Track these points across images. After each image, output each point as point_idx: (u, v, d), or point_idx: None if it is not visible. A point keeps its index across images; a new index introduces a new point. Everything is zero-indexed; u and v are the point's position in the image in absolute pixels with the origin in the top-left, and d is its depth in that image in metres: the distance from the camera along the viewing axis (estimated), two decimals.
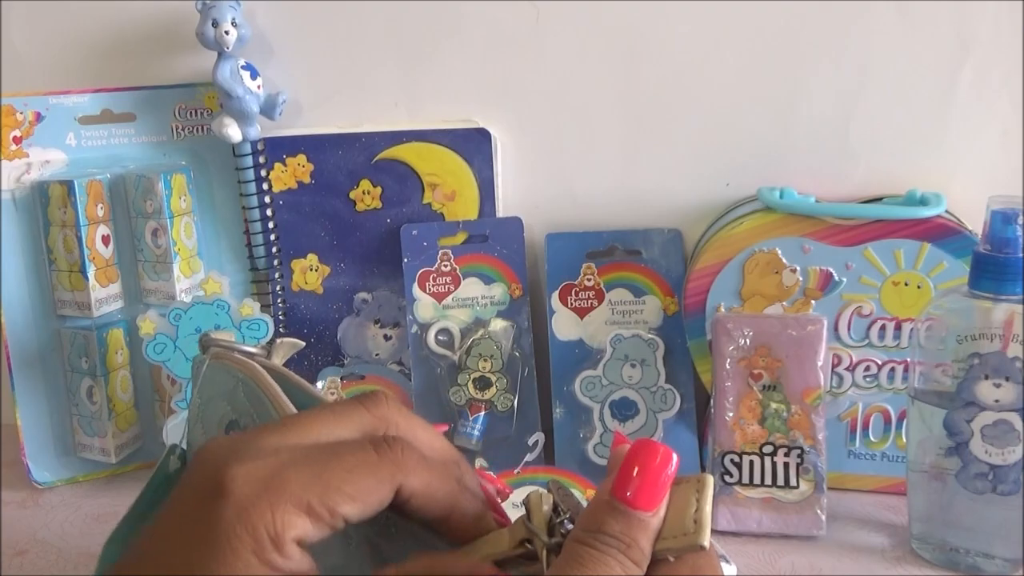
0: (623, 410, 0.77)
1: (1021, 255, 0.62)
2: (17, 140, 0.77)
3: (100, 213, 0.78)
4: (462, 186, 0.81)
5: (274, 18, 0.80)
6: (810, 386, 0.70)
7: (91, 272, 0.77)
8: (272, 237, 0.81)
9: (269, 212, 0.81)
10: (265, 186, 0.81)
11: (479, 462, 0.77)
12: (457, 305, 0.80)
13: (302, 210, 0.81)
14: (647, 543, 0.33)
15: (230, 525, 0.31)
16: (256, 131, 0.78)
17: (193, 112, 0.81)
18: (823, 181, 0.78)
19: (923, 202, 0.73)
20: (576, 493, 0.71)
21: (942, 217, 0.71)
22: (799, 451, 0.70)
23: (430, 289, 0.80)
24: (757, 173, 0.79)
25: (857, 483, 0.76)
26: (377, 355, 0.82)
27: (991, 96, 0.76)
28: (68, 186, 0.76)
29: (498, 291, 0.80)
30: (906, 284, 0.73)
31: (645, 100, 0.80)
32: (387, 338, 0.82)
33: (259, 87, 0.78)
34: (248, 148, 0.79)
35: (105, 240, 0.78)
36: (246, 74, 0.77)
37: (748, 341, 0.71)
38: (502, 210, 0.82)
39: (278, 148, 0.81)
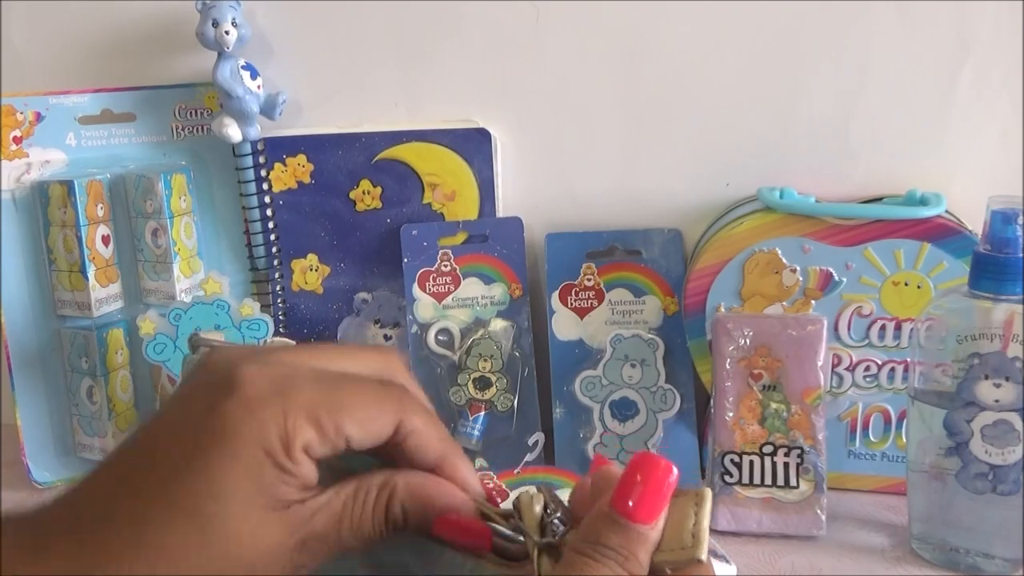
0: (623, 410, 0.77)
1: (1021, 255, 0.62)
2: (17, 140, 0.77)
3: (100, 213, 0.78)
4: (462, 186, 0.81)
5: (274, 18, 0.80)
6: (810, 386, 0.70)
7: (91, 272, 0.77)
8: (272, 237, 0.81)
9: (269, 212, 0.81)
10: (265, 186, 0.81)
11: (479, 462, 0.77)
12: (457, 305, 0.80)
13: (302, 210, 0.81)
14: (645, 556, 0.33)
15: (241, 420, 0.32)
16: (256, 131, 0.78)
17: (193, 112, 0.81)
18: (823, 181, 0.78)
19: (923, 202, 0.73)
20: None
21: (942, 217, 0.71)
22: (799, 451, 0.70)
23: (430, 289, 0.80)
24: (757, 173, 0.79)
25: (857, 483, 0.76)
26: None
27: (991, 96, 0.76)
28: (68, 186, 0.76)
29: (498, 291, 0.80)
30: (906, 284, 0.73)
31: (645, 100, 0.80)
32: (387, 338, 0.82)
33: (259, 87, 0.78)
34: (248, 148, 0.79)
35: (105, 240, 0.78)
36: (246, 74, 0.77)
37: (748, 341, 0.71)
38: (502, 210, 0.82)
39: (278, 148, 0.81)
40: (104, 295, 0.78)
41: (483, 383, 0.78)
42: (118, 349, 0.79)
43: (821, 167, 0.79)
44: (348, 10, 0.80)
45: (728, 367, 0.71)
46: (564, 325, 0.80)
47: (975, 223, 0.68)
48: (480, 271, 0.80)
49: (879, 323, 0.74)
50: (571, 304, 0.80)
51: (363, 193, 0.81)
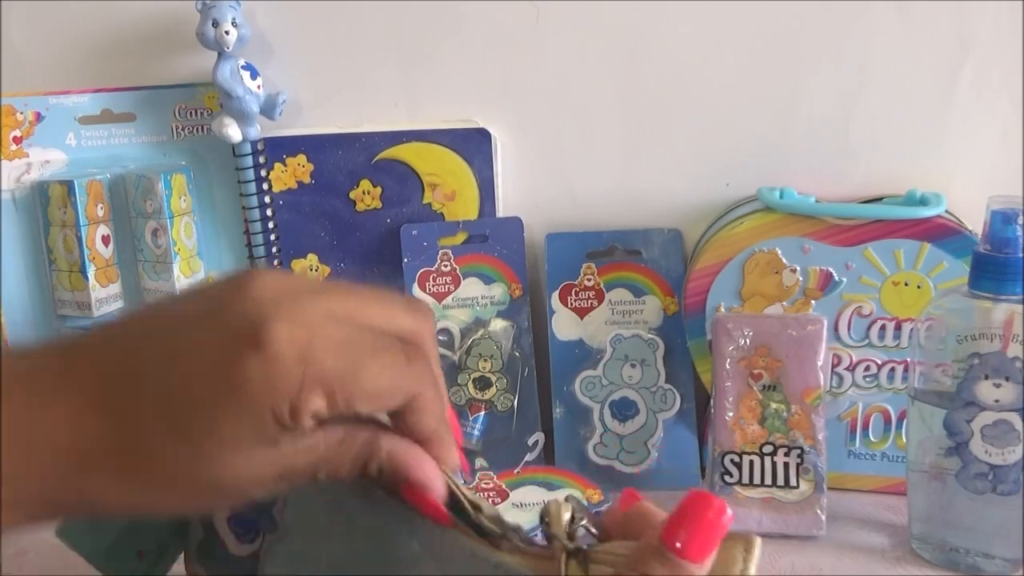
0: (623, 410, 0.77)
1: (1021, 255, 0.62)
2: (17, 140, 0.77)
3: (100, 213, 0.78)
4: (462, 186, 0.81)
5: (274, 18, 0.80)
6: (810, 386, 0.70)
7: (91, 272, 0.77)
8: (272, 237, 0.81)
9: (269, 212, 0.81)
10: (265, 186, 0.81)
11: (479, 462, 0.77)
12: (457, 305, 0.80)
13: (302, 210, 0.81)
14: None
15: (258, 381, 0.32)
16: (256, 131, 0.78)
17: (193, 112, 0.81)
18: (823, 181, 0.78)
19: (923, 202, 0.73)
20: (576, 493, 0.71)
21: (942, 217, 0.71)
22: (799, 451, 0.70)
23: (430, 289, 0.80)
24: (757, 173, 0.79)
25: (857, 483, 0.76)
26: None
27: (991, 96, 0.76)
28: (68, 186, 0.76)
29: (498, 291, 0.80)
30: (906, 284, 0.73)
31: (645, 100, 0.80)
32: None
33: (259, 87, 0.78)
34: (248, 148, 0.79)
35: (105, 240, 0.78)
36: (246, 74, 0.77)
37: (748, 341, 0.71)
38: (502, 210, 0.82)
39: (278, 148, 0.81)
40: (104, 295, 0.78)
41: (483, 383, 0.78)
42: None
43: (821, 167, 0.79)
44: (348, 10, 0.80)
45: (728, 367, 0.71)
46: (564, 325, 0.80)
47: (975, 223, 0.68)
48: (480, 271, 0.80)
49: (879, 323, 0.74)
50: (571, 304, 0.80)
51: (363, 193, 0.81)
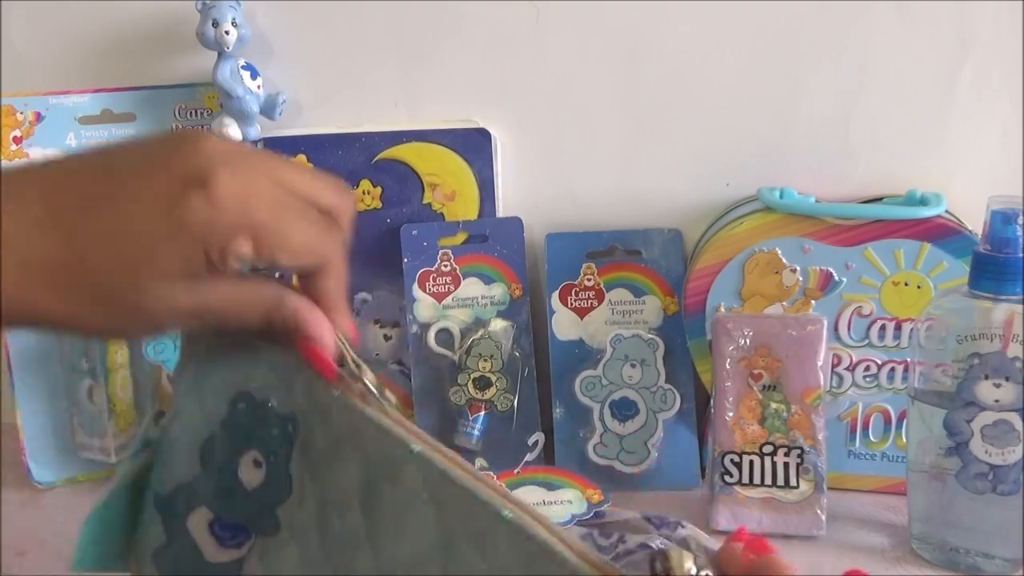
0: (623, 410, 0.77)
1: (1021, 255, 0.62)
2: (17, 140, 0.77)
3: None
4: (462, 186, 0.81)
5: (274, 18, 0.80)
6: (810, 386, 0.70)
7: None
8: None
9: None
10: None
11: (479, 462, 0.77)
12: (457, 305, 0.80)
13: None
14: None
15: (198, 218, 0.36)
16: (256, 131, 0.78)
17: (193, 112, 0.81)
18: (823, 181, 0.78)
19: (923, 202, 0.73)
20: (574, 492, 0.71)
21: (942, 217, 0.71)
22: (799, 451, 0.70)
23: (430, 289, 0.80)
24: (757, 173, 0.79)
25: (857, 483, 0.76)
26: (377, 355, 0.82)
27: (991, 96, 0.76)
28: None
29: (498, 291, 0.80)
30: (906, 284, 0.73)
31: (645, 100, 0.80)
32: (387, 338, 0.82)
33: (259, 87, 0.78)
34: None
35: None
36: (246, 74, 0.77)
37: (748, 341, 0.71)
38: (502, 210, 0.82)
39: (278, 148, 0.80)
40: None
41: (483, 383, 0.78)
42: (118, 349, 0.79)
43: (821, 167, 0.79)
44: (348, 10, 0.80)
45: (728, 367, 0.71)
46: (564, 325, 0.80)
47: (975, 223, 0.68)
48: (480, 271, 0.80)
49: (879, 323, 0.74)
50: (571, 304, 0.80)
51: (363, 193, 0.81)
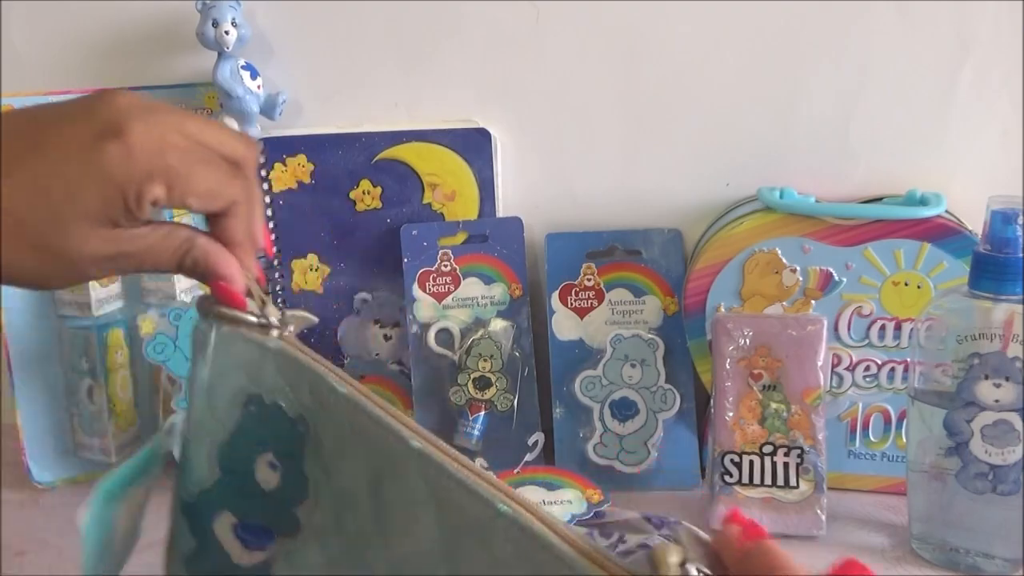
0: (623, 410, 0.77)
1: (1021, 255, 0.62)
2: None
3: None
4: (462, 186, 0.81)
5: (274, 18, 0.80)
6: (810, 386, 0.70)
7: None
8: (272, 237, 0.81)
9: (269, 212, 0.81)
10: (265, 186, 0.81)
11: (479, 462, 0.77)
12: (457, 305, 0.80)
13: (302, 210, 0.81)
14: None
15: (114, 163, 0.40)
16: (256, 131, 0.78)
17: (193, 112, 0.81)
18: (823, 181, 0.78)
19: (923, 202, 0.73)
20: (574, 492, 0.71)
21: (942, 217, 0.71)
22: (799, 451, 0.70)
23: (430, 289, 0.80)
24: (757, 173, 0.79)
25: (857, 483, 0.76)
26: (377, 355, 0.82)
27: (991, 96, 0.76)
28: None
29: (498, 291, 0.80)
30: (906, 284, 0.73)
31: (645, 100, 0.80)
32: (387, 338, 0.82)
33: (259, 87, 0.78)
34: None
35: None
36: (246, 74, 0.77)
37: (748, 341, 0.71)
38: (502, 210, 0.82)
39: (278, 148, 0.80)
40: (104, 295, 0.78)
41: (483, 383, 0.78)
42: (118, 349, 0.79)
43: (821, 167, 0.79)
44: (348, 10, 0.80)
45: (728, 367, 0.71)
46: (564, 325, 0.80)
47: (975, 223, 0.68)
48: (480, 271, 0.80)
49: (879, 323, 0.74)
50: (571, 304, 0.80)
51: (363, 193, 0.81)
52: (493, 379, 0.78)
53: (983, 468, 0.63)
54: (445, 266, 0.80)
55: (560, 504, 0.70)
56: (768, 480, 0.70)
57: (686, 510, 0.72)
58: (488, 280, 0.80)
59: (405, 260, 0.80)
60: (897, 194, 0.76)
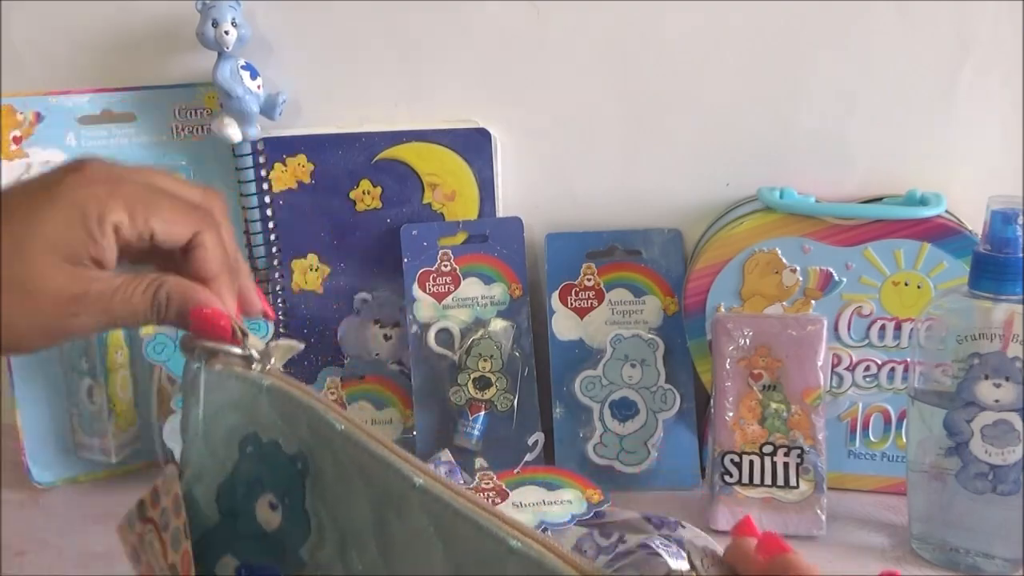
0: (623, 410, 0.77)
1: (1021, 255, 0.62)
2: (17, 140, 0.77)
3: None
4: (462, 186, 0.81)
5: (274, 18, 0.80)
6: (810, 386, 0.70)
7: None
8: (272, 237, 0.81)
9: (269, 212, 0.81)
10: (265, 186, 0.81)
11: (479, 462, 0.77)
12: (457, 305, 0.80)
13: (302, 210, 0.81)
14: None
15: (72, 187, 0.41)
16: (256, 131, 0.78)
17: (193, 112, 0.81)
18: (823, 181, 0.78)
19: (923, 202, 0.73)
20: (574, 492, 0.71)
21: (942, 217, 0.71)
22: (799, 451, 0.70)
23: (430, 289, 0.80)
24: (757, 173, 0.79)
25: (857, 483, 0.76)
26: (377, 355, 0.82)
27: (991, 96, 0.76)
28: None
29: (498, 291, 0.80)
30: (906, 284, 0.73)
31: (645, 100, 0.80)
32: (387, 338, 0.82)
33: (259, 87, 0.78)
34: (248, 148, 0.79)
35: None
36: (246, 74, 0.77)
37: (748, 341, 0.71)
38: (502, 210, 0.82)
39: (278, 148, 0.80)
40: None
41: (483, 383, 0.78)
42: (118, 349, 0.79)
43: (821, 167, 0.79)
44: (348, 10, 0.80)
45: (728, 367, 0.71)
46: (564, 325, 0.80)
47: (975, 223, 0.68)
48: (480, 271, 0.80)
49: (879, 323, 0.74)
50: (571, 304, 0.80)
51: (363, 193, 0.81)
52: (493, 379, 0.78)
53: (983, 468, 0.63)
54: (445, 266, 0.80)
55: (560, 504, 0.70)
56: (768, 480, 0.70)
57: (686, 510, 0.72)
58: (488, 280, 0.80)
59: (405, 260, 0.80)
60: (897, 194, 0.76)
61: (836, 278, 0.74)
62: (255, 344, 0.42)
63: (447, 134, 0.80)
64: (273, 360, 0.42)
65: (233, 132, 0.77)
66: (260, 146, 0.80)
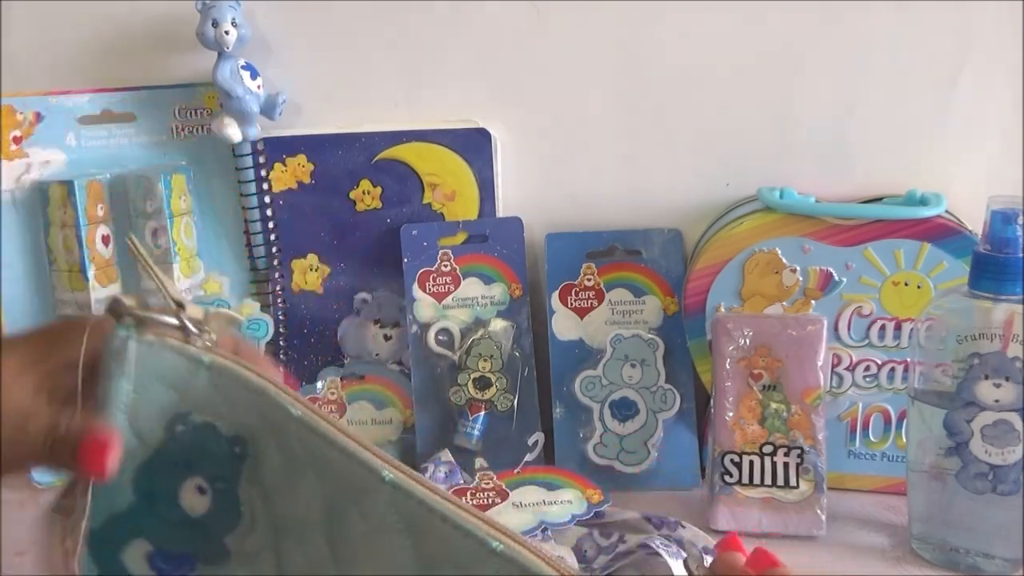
0: (623, 410, 0.77)
1: (1021, 255, 0.62)
2: (17, 140, 0.77)
3: (100, 213, 0.78)
4: (462, 186, 0.81)
5: (274, 18, 0.80)
6: (810, 386, 0.70)
7: (91, 272, 0.77)
8: (272, 237, 0.81)
9: (269, 212, 0.81)
10: (265, 186, 0.81)
11: (479, 462, 0.77)
12: (457, 305, 0.80)
13: (302, 210, 0.81)
14: None
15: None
16: (256, 131, 0.78)
17: (193, 112, 0.81)
18: (823, 181, 0.78)
19: (923, 202, 0.73)
20: (574, 492, 0.71)
21: (942, 217, 0.71)
22: (799, 451, 0.70)
23: (430, 289, 0.80)
24: (757, 173, 0.79)
25: (857, 483, 0.76)
26: (377, 355, 0.82)
27: (991, 96, 0.76)
28: (68, 186, 0.76)
29: (498, 291, 0.80)
30: (906, 284, 0.73)
31: (645, 100, 0.80)
32: (387, 338, 0.82)
33: (259, 87, 0.78)
34: (248, 148, 0.79)
35: (105, 240, 0.78)
36: (246, 74, 0.77)
37: (748, 341, 0.71)
38: (502, 210, 0.82)
39: (278, 148, 0.81)
40: (104, 295, 0.78)
41: (483, 383, 0.78)
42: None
43: (821, 167, 0.79)
44: (348, 10, 0.80)
45: (728, 367, 0.71)
46: (564, 325, 0.80)
47: (975, 223, 0.68)
48: (480, 271, 0.80)
49: (879, 323, 0.74)
50: (571, 304, 0.80)
51: (363, 193, 0.81)
52: (493, 379, 0.78)
53: (983, 468, 0.63)
54: (445, 266, 0.80)
55: (560, 504, 0.70)
56: (768, 480, 0.70)
57: (686, 510, 0.72)
58: (488, 280, 0.80)
59: (405, 260, 0.80)
60: (897, 194, 0.76)
61: (836, 278, 0.74)
62: (193, 313, 0.39)
63: (447, 134, 0.80)
64: (212, 333, 0.39)
65: (233, 132, 0.77)
66: (260, 146, 0.80)
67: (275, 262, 0.82)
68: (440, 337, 0.79)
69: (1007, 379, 0.62)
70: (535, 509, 0.69)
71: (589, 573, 0.58)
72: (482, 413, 0.78)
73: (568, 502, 0.70)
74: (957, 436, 0.64)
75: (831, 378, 0.75)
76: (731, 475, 0.70)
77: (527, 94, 0.80)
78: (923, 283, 0.72)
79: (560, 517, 0.69)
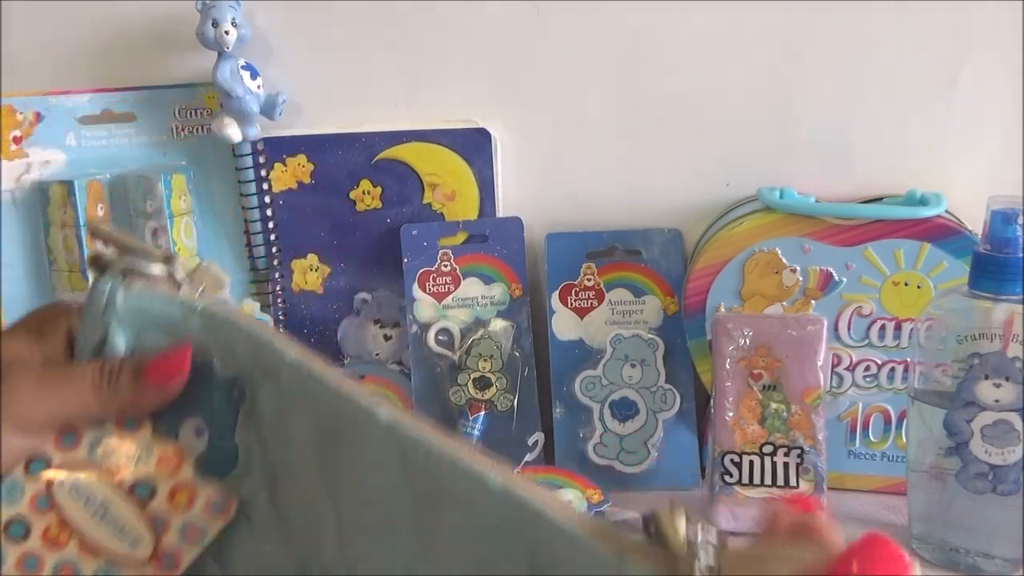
0: (623, 410, 0.77)
1: (1021, 255, 0.62)
2: (17, 140, 0.77)
3: (100, 213, 0.78)
4: (462, 186, 0.81)
5: (274, 18, 0.80)
6: (810, 386, 0.70)
7: (91, 272, 0.76)
8: (272, 237, 0.81)
9: (269, 212, 0.81)
10: (265, 186, 0.81)
11: None
12: (457, 305, 0.80)
13: (302, 210, 0.81)
14: None
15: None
16: (256, 131, 0.78)
17: (193, 112, 0.81)
18: (823, 181, 0.78)
19: (923, 202, 0.73)
20: (574, 492, 0.71)
21: (942, 217, 0.71)
22: (799, 451, 0.70)
23: (430, 289, 0.80)
24: (757, 173, 0.79)
25: (857, 483, 0.76)
26: (377, 355, 0.82)
27: (991, 96, 0.76)
28: (68, 186, 0.76)
29: (498, 291, 0.80)
30: (906, 284, 0.73)
31: (645, 100, 0.80)
32: (387, 338, 0.82)
33: (259, 87, 0.78)
34: (248, 148, 0.79)
35: None
36: (246, 74, 0.77)
37: (748, 341, 0.71)
38: (502, 210, 0.82)
39: (278, 148, 0.80)
40: None
41: (483, 383, 0.78)
42: None
43: (821, 167, 0.79)
44: (348, 10, 0.80)
45: (728, 367, 0.71)
46: (564, 325, 0.80)
47: (975, 223, 0.68)
48: (480, 271, 0.80)
49: (879, 323, 0.74)
50: (571, 304, 0.80)
51: (363, 193, 0.81)
52: (493, 379, 0.78)
53: (983, 468, 0.63)
54: (445, 266, 0.80)
55: None
56: (768, 480, 0.70)
57: (686, 510, 0.72)
58: (488, 280, 0.80)
59: (405, 260, 0.80)
60: (897, 194, 0.76)
61: (836, 278, 0.74)
62: (186, 265, 0.39)
63: (447, 134, 0.80)
64: (203, 288, 0.39)
65: (233, 132, 0.77)
66: (260, 146, 0.80)
67: (275, 262, 0.82)
68: (440, 337, 0.79)
69: (1007, 379, 0.62)
70: None
71: None
72: (482, 413, 0.78)
73: (568, 502, 0.70)
74: (957, 436, 0.64)
75: (831, 378, 0.75)
76: (731, 475, 0.70)
77: (527, 94, 0.80)
78: (923, 283, 0.72)
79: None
